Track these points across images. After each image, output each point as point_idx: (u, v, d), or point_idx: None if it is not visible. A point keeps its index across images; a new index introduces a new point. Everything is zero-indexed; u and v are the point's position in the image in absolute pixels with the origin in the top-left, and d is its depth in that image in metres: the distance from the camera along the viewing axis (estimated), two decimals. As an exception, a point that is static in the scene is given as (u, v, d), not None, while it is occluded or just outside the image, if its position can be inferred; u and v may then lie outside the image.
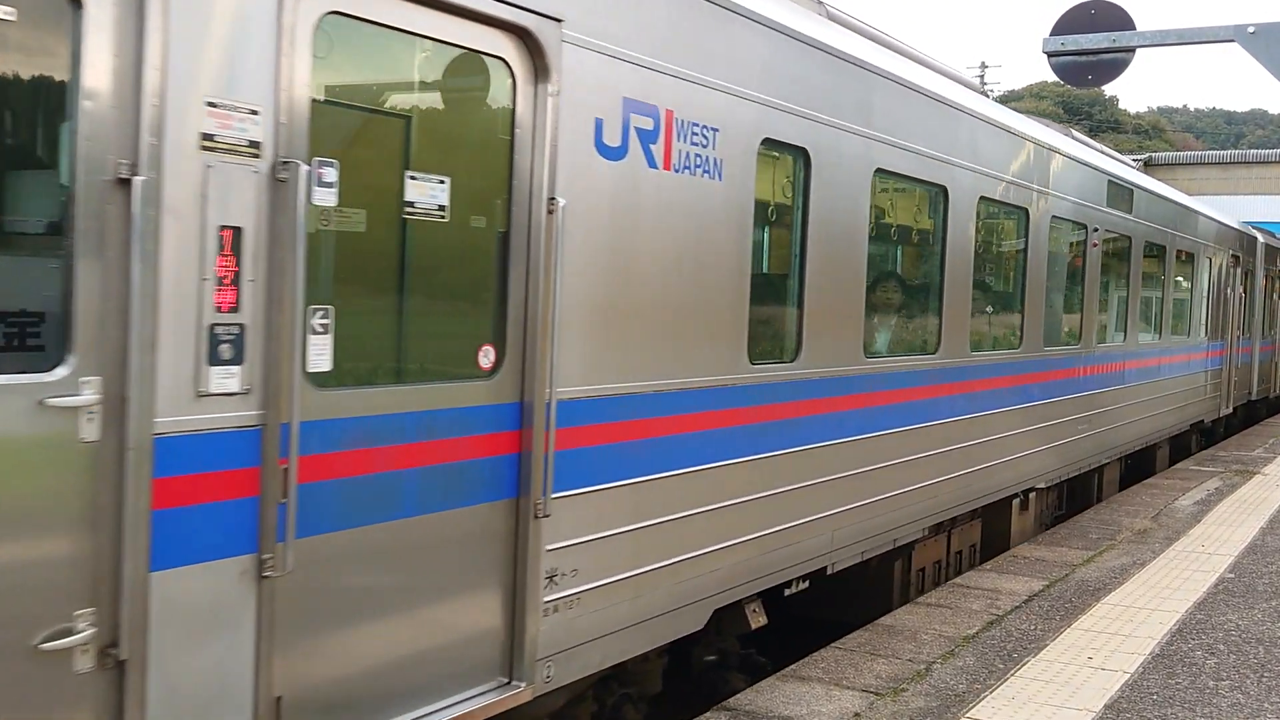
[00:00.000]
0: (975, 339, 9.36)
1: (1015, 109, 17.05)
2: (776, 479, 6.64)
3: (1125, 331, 13.81)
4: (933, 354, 8.65)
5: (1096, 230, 12.18)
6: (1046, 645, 7.41)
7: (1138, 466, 15.94)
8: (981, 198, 9.21)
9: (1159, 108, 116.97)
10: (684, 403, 5.76)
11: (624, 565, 5.43)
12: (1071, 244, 11.92)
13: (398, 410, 4.27)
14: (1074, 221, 11.62)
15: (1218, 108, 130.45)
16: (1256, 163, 37.77)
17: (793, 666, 6.91)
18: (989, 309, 10.05)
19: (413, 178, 4.33)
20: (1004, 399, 9.99)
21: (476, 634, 4.71)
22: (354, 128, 4.34)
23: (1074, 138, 12.97)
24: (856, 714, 6.15)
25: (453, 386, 4.54)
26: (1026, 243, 10.34)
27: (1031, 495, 11.21)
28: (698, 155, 5.70)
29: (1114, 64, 11.65)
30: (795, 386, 6.76)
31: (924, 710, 6.20)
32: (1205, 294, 17.91)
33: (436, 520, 4.45)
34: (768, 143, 6.35)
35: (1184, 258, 16.46)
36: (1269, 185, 35.99)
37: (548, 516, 4.83)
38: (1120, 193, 13.09)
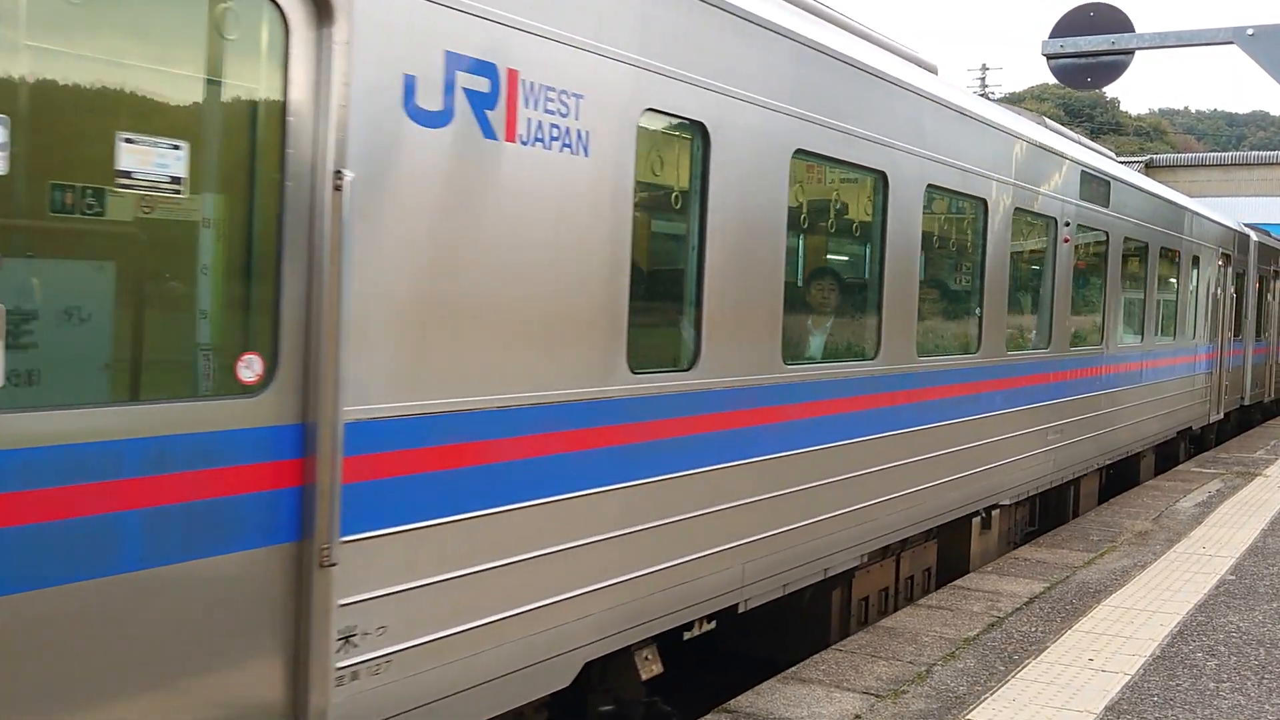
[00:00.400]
0: (925, 342, 8.48)
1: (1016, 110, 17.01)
2: (666, 506, 5.75)
3: (1103, 334, 12.85)
4: (872, 360, 7.73)
5: (1068, 225, 11.33)
6: (1047, 647, 7.42)
7: (1122, 477, 15.11)
8: (929, 185, 8.30)
9: (1160, 109, 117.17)
10: (538, 420, 4.87)
11: (454, 618, 4.52)
12: (1039, 239, 11.08)
13: (110, 438, 3.38)
14: (1041, 214, 10.75)
15: (1219, 109, 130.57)
16: (1258, 164, 37.81)
17: (793, 668, 6.92)
18: (942, 309, 9.26)
19: (128, 140, 3.45)
20: (960, 408, 9.07)
21: (245, 713, 3.80)
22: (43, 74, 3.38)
23: (1046, 126, 12.13)
24: (857, 716, 6.17)
25: (195, 406, 3.63)
26: (985, 237, 9.43)
27: (995, 513, 10.26)
28: (555, 126, 4.85)
29: (1113, 66, 11.68)
30: (690, 399, 5.88)
31: (924, 712, 6.22)
32: (1194, 294, 16.94)
33: (176, 574, 3.55)
34: (653, 115, 5.52)
35: (1169, 256, 15.48)
36: (1271, 187, 36.03)
37: (334, 565, 3.92)
38: (1096, 185, 12.20)
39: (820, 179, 7.49)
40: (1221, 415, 19.53)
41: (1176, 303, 16.13)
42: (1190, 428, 17.71)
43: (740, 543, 6.38)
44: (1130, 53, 11.65)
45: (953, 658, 7.18)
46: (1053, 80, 13.15)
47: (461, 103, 4.41)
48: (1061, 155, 11.29)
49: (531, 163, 4.74)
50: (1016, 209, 10.03)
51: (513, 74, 4.63)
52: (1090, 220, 12.10)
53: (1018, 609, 8.37)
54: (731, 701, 6.35)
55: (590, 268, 5.12)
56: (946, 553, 9.69)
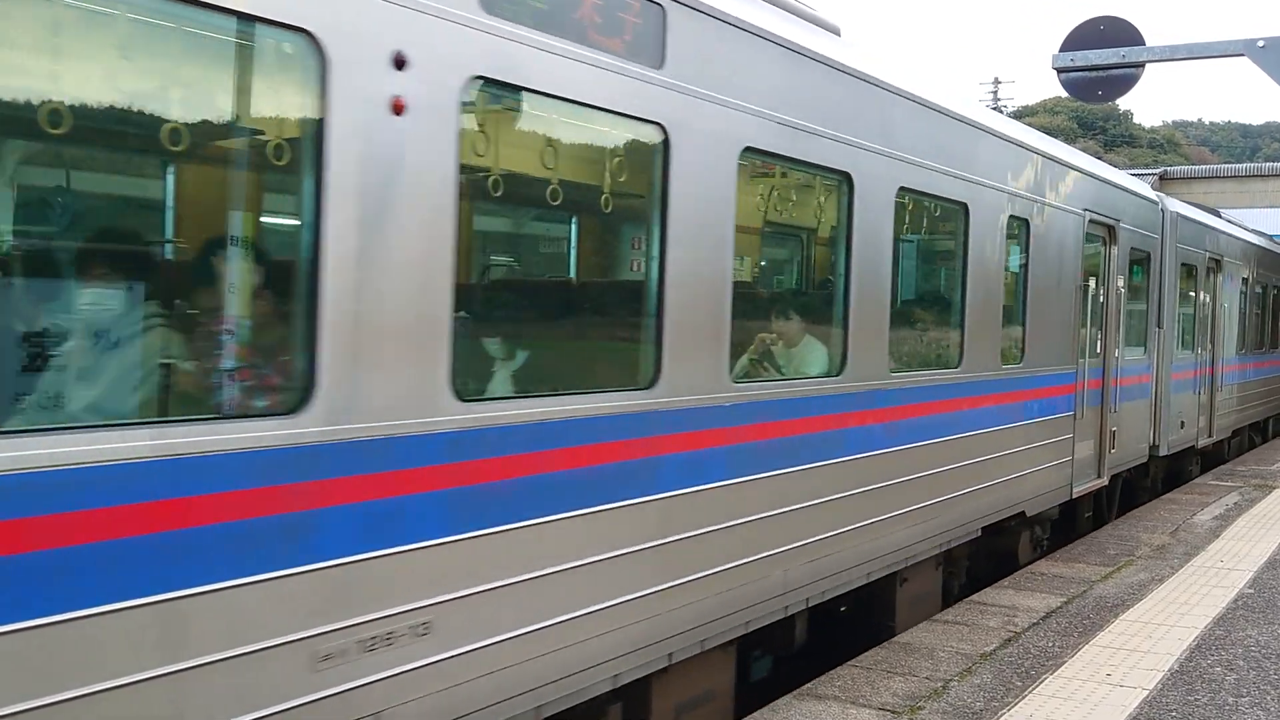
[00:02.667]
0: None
1: (1029, 125, 16.77)
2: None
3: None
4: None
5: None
6: (1065, 662, 7.39)
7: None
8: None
9: (1174, 121, 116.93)
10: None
11: None
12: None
13: None
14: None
15: (1233, 121, 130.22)
16: (1273, 175, 37.65)
17: (809, 685, 6.90)
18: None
19: None
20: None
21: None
22: None
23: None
24: (875, 731, 6.14)
25: None
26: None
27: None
28: None
29: (1124, 79, 11.70)
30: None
31: (942, 728, 6.19)
32: (1009, 288, 10.13)
33: None
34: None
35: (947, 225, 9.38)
36: (1286, 198, 35.84)
37: None
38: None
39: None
40: (1105, 478, 12.50)
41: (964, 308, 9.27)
42: (1041, 514, 11.10)
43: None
44: (1141, 65, 11.67)
45: (969, 673, 7.16)
46: (1065, 94, 13.16)
47: None
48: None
49: None
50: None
51: None
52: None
53: (1034, 624, 8.34)
54: (746, 718, 6.34)
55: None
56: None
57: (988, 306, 9.35)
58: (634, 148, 5.79)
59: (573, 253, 6.52)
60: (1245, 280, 19.86)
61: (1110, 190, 12.47)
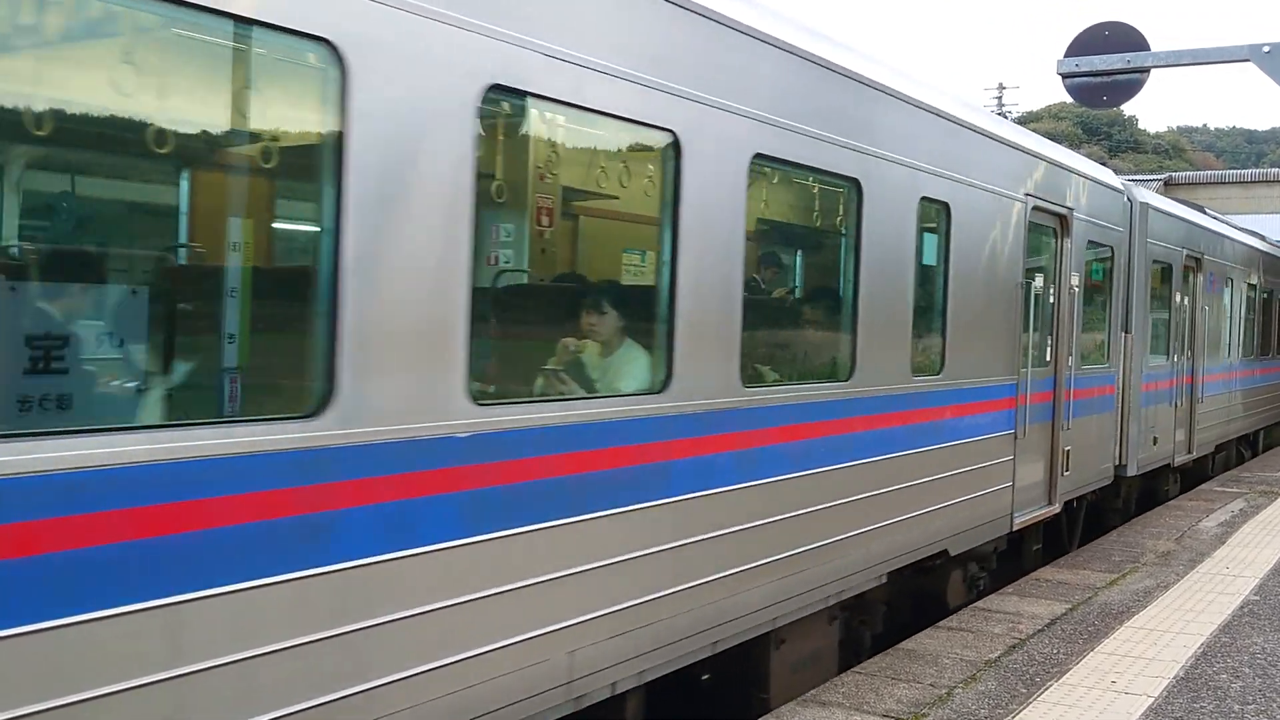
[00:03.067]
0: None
1: (1033, 130, 16.61)
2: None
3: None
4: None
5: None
6: (1069, 669, 7.37)
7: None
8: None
9: (1179, 127, 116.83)
10: None
11: None
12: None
13: None
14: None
15: (1238, 126, 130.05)
16: (1279, 181, 37.58)
17: (813, 691, 6.89)
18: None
19: None
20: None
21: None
22: None
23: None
24: (878, 738, 6.13)
25: None
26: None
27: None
28: None
29: (1129, 85, 11.69)
30: None
31: (946, 735, 6.17)
32: (925, 286, 8.49)
33: None
34: None
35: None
36: (1293, 204, 35.80)
37: None
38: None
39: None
40: (1058, 506, 10.90)
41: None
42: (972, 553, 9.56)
43: None
44: (1146, 71, 11.67)
45: (974, 680, 7.14)
46: (1069, 99, 13.15)
47: None
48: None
49: None
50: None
51: None
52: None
53: (1039, 630, 8.32)
54: (752, 725, 6.31)
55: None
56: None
57: (891, 307, 7.76)
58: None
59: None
60: (1230, 282, 18.05)
61: (1061, 174, 10.59)
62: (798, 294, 8.14)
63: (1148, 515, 13.77)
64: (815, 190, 7.43)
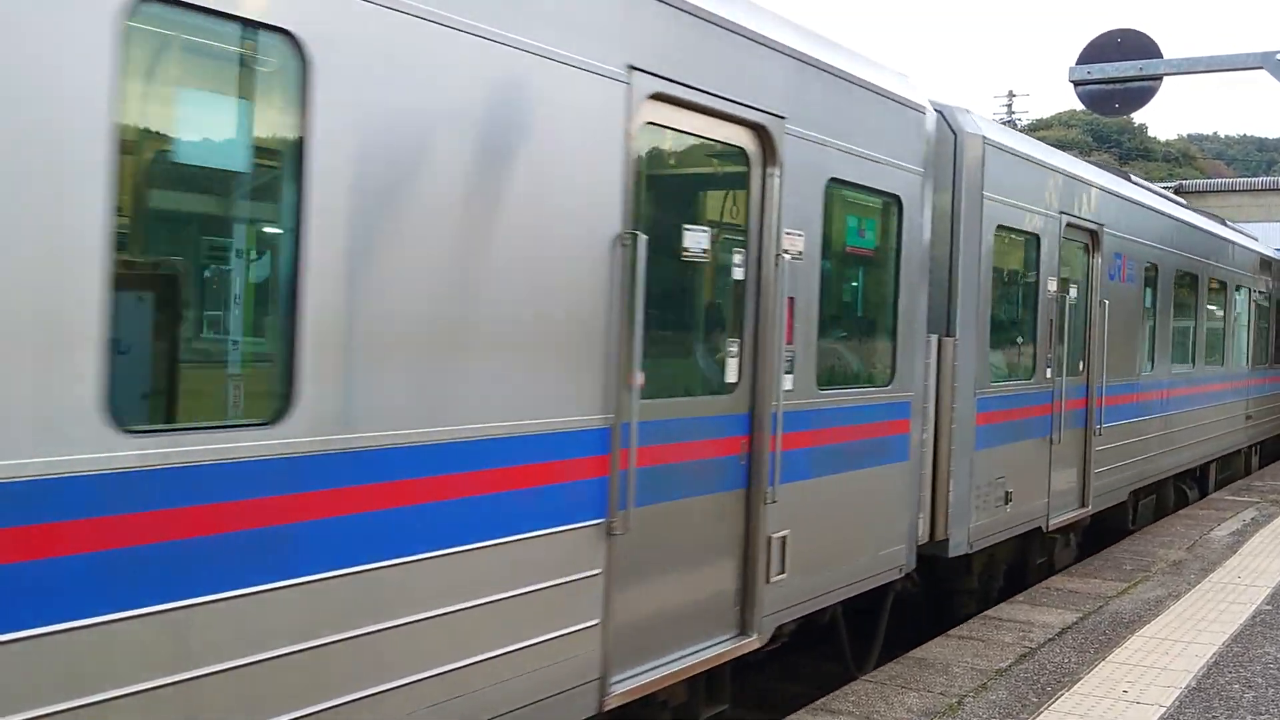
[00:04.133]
0: None
1: (1043, 137, 16.46)
2: None
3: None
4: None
5: None
6: (1080, 678, 7.33)
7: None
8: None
9: (1189, 135, 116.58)
10: None
11: None
12: None
13: None
14: None
15: (1249, 134, 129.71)
16: (1290, 189, 37.40)
17: (823, 699, 6.86)
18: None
19: None
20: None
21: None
22: None
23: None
24: (888, 748, 6.09)
25: None
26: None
27: None
28: None
29: (1141, 92, 11.64)
30: None
31: (956, 744, 6.14)
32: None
33: None
34: None
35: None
36: (1304, 212, 35.63)
37: None
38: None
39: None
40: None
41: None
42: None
43: None
44: (1158, 78, 11.62)
45: (984, 689, 7.10)
46: (1080, 106, 13.10)
47: None
48: None
49: None
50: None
51: None
52: None
53: (1050, 639, 8.28)
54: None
55: None
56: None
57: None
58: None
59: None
60: (1152, 268, 13.23)
61: (746, 49, 6.01)
62: None
63: (1158, 524, 13.72)
64: None
